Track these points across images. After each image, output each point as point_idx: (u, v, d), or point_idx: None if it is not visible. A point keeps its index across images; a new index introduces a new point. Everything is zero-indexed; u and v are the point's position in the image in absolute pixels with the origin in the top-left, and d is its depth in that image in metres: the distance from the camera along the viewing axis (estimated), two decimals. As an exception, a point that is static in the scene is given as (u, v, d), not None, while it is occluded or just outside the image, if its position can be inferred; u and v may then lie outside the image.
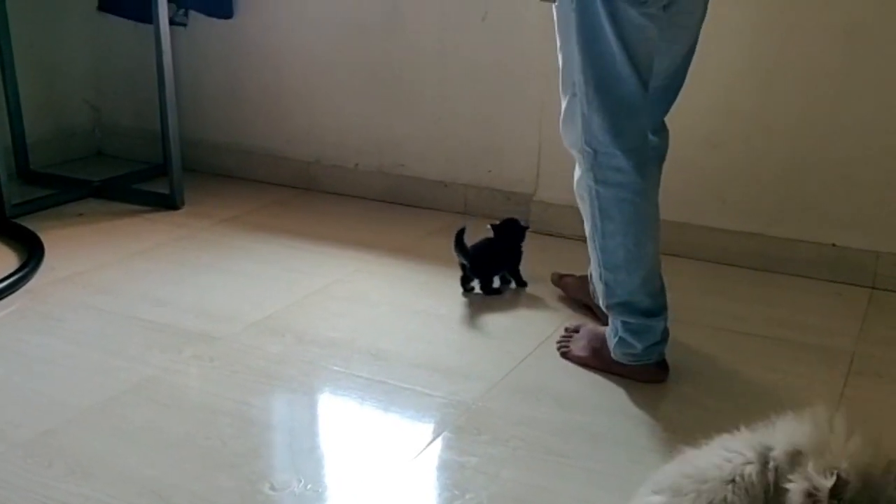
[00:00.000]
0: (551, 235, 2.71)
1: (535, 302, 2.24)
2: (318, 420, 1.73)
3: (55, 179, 3.16)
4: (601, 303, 1.85)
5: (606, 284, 1.79)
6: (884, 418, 1.72)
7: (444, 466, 1.56)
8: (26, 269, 2.32)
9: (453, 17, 2.79)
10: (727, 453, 1.13)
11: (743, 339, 2.06)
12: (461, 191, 2.91)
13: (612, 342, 1.84)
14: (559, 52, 1.78)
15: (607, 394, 1.80)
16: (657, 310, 1.80)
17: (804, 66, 2.33)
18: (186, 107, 3.17)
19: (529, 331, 2.07)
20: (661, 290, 1.83)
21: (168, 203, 2.92)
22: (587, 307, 2.14)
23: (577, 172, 1.81)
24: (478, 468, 1.54)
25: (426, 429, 1.68)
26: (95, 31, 3.44)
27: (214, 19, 3.17)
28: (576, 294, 2.19)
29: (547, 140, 2.68)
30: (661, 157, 1.85)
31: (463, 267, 2.28)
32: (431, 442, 1.62)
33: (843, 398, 1.78)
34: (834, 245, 2.39)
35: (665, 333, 1.83)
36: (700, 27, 1.79)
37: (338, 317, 2.14)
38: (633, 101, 1.68)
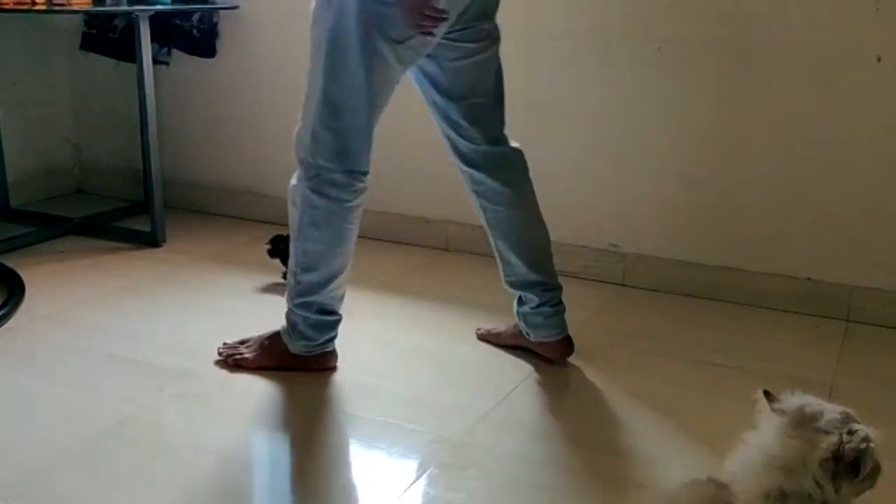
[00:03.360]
0: (532, 271, 2.73)
1: (518, 337, 2.25)
2: (303, 457, 1.72)
3: (35, 217, 3.15)
4: (287, 298, 1.98)
5: (299, 283, 1.94)
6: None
7: (431, 503, 1.56)
8: (6, 308, 2.30)
9: (434, 57, 2.84)
10: None
11: (721, 371, 2.09)
12: (443, 227, 2.94)
13: (290, 337, 1.98)
14: (307, 71, 1.86)
15: (592, 428, 1.81)
16: (336, 310, 2.00)
17: (778, 105, 2.39)
18: (168, 144, 3.19)
19: (513, 365, 2.09)
20: (342, 296, 2.00)
21: (149, 240, 2.92)
22: (525, 349, 2.14)
23: (294, 180, 1.92)
24: (464, 504, 1.54)
25: (412, 465, 1.68)
26: (76, 69, 3.45)
27: (197, 58, 3.20)
28: (512, 342, 2.17)
29: (527, 177, 2.71)
30: (525, 168, 2.06)
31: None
32: (418, 478, 1.62)
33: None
34: (809, 279, 2.43)
35: (338, 329, 2.01)
36: (497, 50, 1.98)
37: (321, 353, 2.14)
38: (361, 129, 1.84)
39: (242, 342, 2.08)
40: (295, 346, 1.99)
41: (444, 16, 1.71)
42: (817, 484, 1.08)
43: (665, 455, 1.71)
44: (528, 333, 2.09)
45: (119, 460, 1.66)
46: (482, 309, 2.42)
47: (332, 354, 2.03)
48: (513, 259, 2.06)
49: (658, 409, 1.88)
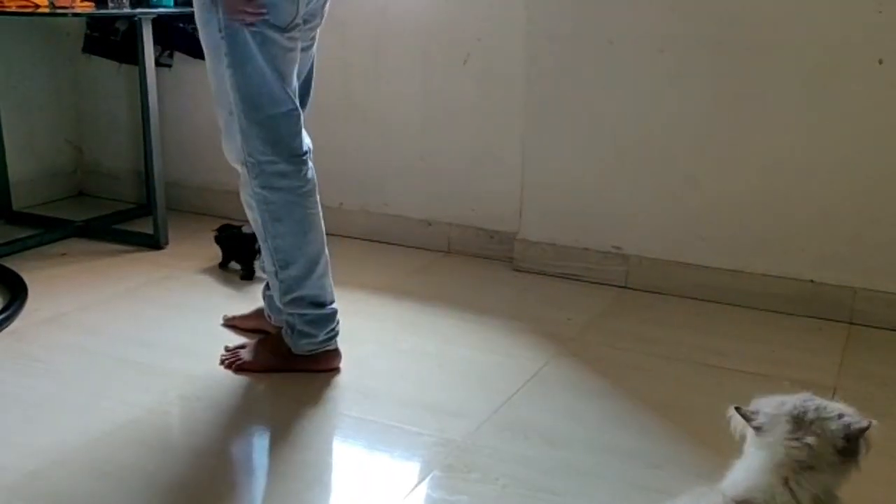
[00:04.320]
0: (534, 273, 2.74)
1: (522, 339, 2.26)
2: (306, 460, 1.72)
3: (38, 219, 3.16)
4: (278, 300, 1.98)
5: (282, 282, 1.95)
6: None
7: (434, 505, 1.56)
8: (10, 311, 2.30)
9: (436, 60, 2.84)
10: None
11: (725, 374, 2.08)
12: (445, 229, 2.94)
13: (291, 337, 1.98)
14: (211, 76, 1.93)
15: (595, 431, 1.81)
16: (329, 301, 1.99)
17: (780, 107, 2.39)
18: (170, 147, 3.19)
19: (516, 368, 2.09)
20: (330, 285, 2.00)
21: (151, 243, 2.92)
22: (264, 332, 2.17)
23: (242, 185, 1.96)
24: (468, 507, 1.54)
25: (415, 468, 1.68)
26: (78, 72, 3.46)
27: (199, 60, 3.20)
28: (251, 325, 2.23)
29: (529, 179, 2.72)
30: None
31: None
32: (421, 481, 1.62)
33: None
34: (812, 281, 2.43)
35: (338, 322, 2.01)
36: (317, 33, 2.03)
37: (324, 356, 2.14)
38: (286, 113, 1.87)
39: (242, 346, 2.09)
40: (298, 346, 1.99)
41: (263, 10, 1.78)
42: (838, 466, 1.09)
43: (669, 457, 1.71)
44: (269, 316, 2.13)
45: (122, 462, 1.66)
46: (484, 311, 2.43)
47: (336, 354, 2.04)
48: None
49: (661, 411, 1.88)
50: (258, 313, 2.20)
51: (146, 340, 2.20)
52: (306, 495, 1.60)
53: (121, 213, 3.26)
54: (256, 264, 2.61)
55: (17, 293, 2.43)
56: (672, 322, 2.40)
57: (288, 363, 2.01)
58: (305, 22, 1.92)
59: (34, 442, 1.73)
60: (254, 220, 1.97)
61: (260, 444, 1.80)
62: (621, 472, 1.66)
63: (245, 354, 2.06)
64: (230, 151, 1.95)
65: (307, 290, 1.95)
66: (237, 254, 2.69)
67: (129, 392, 1.93)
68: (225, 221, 2.81)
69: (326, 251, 1.99)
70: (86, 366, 2.06)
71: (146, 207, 3.12)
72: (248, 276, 2.65)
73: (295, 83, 1.91)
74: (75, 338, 2.21)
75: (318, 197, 1.96)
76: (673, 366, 2.11)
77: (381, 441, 1.76)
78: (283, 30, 1.82)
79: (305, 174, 1.92)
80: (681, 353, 2.19)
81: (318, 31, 2.03)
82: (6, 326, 2.24)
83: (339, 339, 2.03)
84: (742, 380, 2.06)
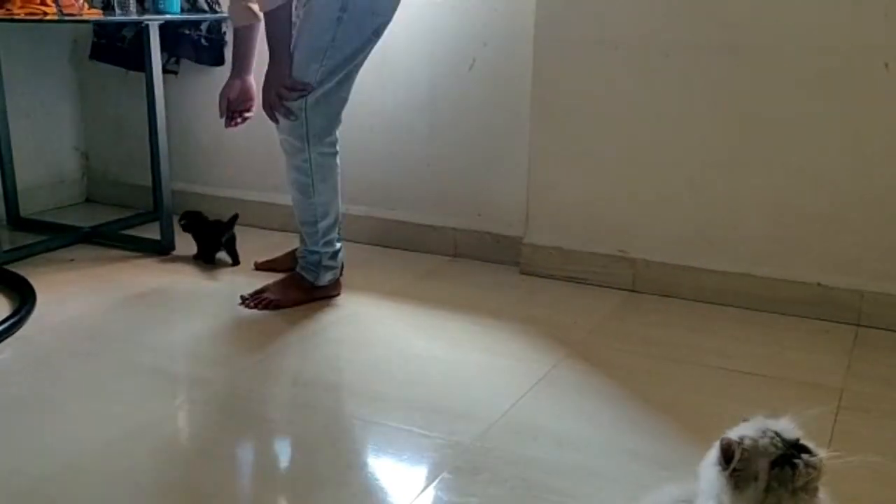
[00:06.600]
0: (541, 277, 2.74)
1: (530, 343, 2.26)
2: (315, 464, 1.73)
3: (45, 226, 3.17)
4: (316, 245, 2.45)
5: (321, 229, 2.45)
6: (874, 452, 1.74)
7: (444, 507, 1.56)
8: (18, 316, 2.31)
9: (442, 66, 2.85)
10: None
11: (733, 377, 2.09)
12: (451, 234, 2.95)
13: (318, 272, 2.47)
14: (299, 68, 2.30)
15: (605, 432, 1.82)
16: (338, 239, 2.53)
17: (786, 112, 2.40)
18: (176, 153, 3.20)
19: (524, 371, 2.09)
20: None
21: (158, 249, 2.94)
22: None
23: (294, 152, 2.38)
24: (477, 509, 1.54)
25: (424, 470, 1.68)
26: (85, 78, 3.48)
27: (205, 67, 3.22)
28: (286, 266, 2.65)
29: (535, 183, 2.72)
30: None
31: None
32: (430, 483, 1.63)
33: (833, 434, 1.81)
34: (819, 284, 2.43)
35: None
36: None
37: (333, 359, 2.15)
38: (343, 106, 2.41)
39: (263, 290, 2.47)
40: (324, 279, 2.47)
41: (304, 90, 2.30)
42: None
43: (677, 459, 1.71)
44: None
45: (132, 467, 1.66)
46: (491, 315, 2.43)
47: (339, 282, 2.56)
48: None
49: (669, 412, 1.88)
50: (288, 255, 2.67)
51: (154, 345, 2.21)
52: (315, 498, 1.60)
53: (128, 219, 3.27)
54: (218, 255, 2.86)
55: (26, 299, 2.44)
56: (679, 325, 2.40)
57: (312, 294, 2.47)
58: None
59: (46, 447, 1.73)
60: (301, 183, 2.40)
61: (269, 447, 1.80)
62: (630, 474, 1.66)
63: (273, 295, 2.44)
64: (293, 129, 2.34)
65: (332, 235, 2.47)
66: (206, 240, 2.86)
67: (139, 397, 1.94)
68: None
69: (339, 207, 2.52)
70: (95, 371, 2.07)
71: (153, 213, 3.13)
72: (209, 260, 2.85)
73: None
74: (84, 343, 2.22)
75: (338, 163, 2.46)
76: (680, 368, 2.11)
77: (390, 444, 1.76)
78: (378, 37, 2.34)
79: (337, 143, 2.43)
80: (688, 355, 2.19)
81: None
82: (15, 332, 2.25)
83: (345, 342, 2.06)
84: (749, 382, 2.06)
